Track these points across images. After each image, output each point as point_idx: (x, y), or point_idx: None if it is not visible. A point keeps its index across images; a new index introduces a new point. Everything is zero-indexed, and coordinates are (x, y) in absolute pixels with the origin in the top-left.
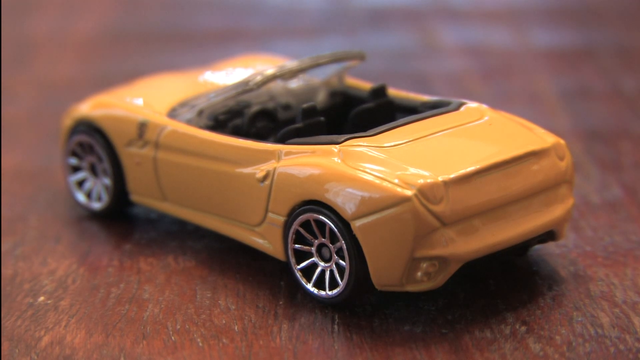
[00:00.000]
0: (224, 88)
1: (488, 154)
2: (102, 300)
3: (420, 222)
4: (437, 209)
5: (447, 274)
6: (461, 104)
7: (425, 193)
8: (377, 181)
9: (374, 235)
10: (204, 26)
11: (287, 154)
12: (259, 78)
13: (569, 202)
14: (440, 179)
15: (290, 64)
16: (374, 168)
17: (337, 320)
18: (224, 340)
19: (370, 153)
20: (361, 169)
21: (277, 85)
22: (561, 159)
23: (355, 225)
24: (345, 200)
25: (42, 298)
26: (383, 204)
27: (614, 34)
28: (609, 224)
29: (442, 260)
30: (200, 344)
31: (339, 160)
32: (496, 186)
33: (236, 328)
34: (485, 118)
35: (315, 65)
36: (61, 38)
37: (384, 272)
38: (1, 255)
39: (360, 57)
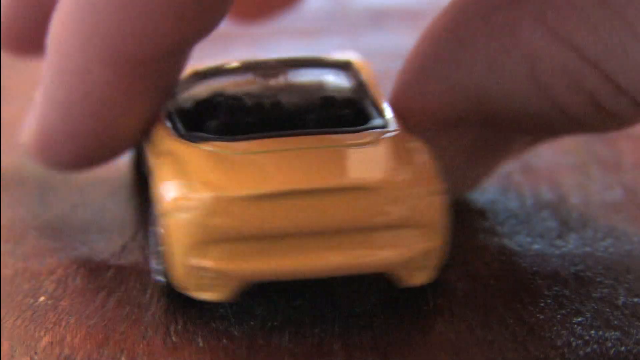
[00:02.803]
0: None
1: (308, 178)
2: (103, 300)
3: (198, 232)
4: (217, 222)
5: (231, 289)
6: (382, 132)
7: (207, 204)
8: (168, 184)
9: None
10: None
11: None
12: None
13: (417, 246)
14: (227, 194)
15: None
16: (183, 171)
17: (336, 320)
18: (224, 341)
19: (203, 157)
20: (178, 170)
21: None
22: (395, 202)
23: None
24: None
25: (42, 298)
26: (165, 208)
27: None
28: (609, 225)
29: (220, 274)
30: (201, 344)
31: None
32: (296, 212)
33: (236, 328)
34: (372, 144)
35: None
36: None
37: (171, 274)
38: (1, 255)
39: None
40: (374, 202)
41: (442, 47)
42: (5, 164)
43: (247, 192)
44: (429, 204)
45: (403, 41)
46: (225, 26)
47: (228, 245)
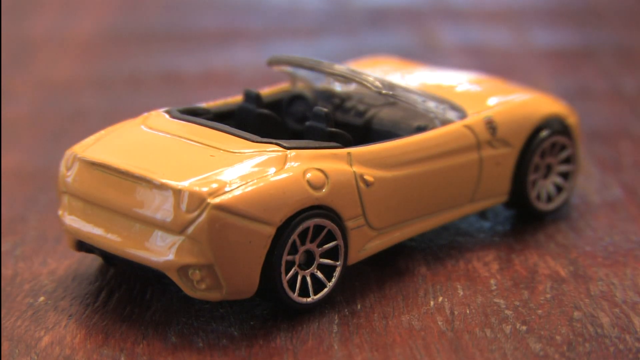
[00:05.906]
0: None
1: (133, 162)
2: (103, 301)
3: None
4: (66, 178)
5: (70, 241)
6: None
7: (67, 156)
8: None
9: None
10: (204, 26)
11: None
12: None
13: (179, 261)
14: (77, 153)
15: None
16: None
17: (337, 321)
18: (224, 341)
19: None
20: None
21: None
22: (189, 210)
23: None
24: None
25: (42, 298)
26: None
27: (614, 34)
28: (609, 224)
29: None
30: (200, 345)
31: None
32: (115, 186)
33: (236, 328)
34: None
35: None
36: (61, 38)
37: None
38: (1, 255)
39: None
40: (170, 204)
41: None
42: (5, 163)
43: (82, 155)
44: (210, 224)
45: (403, 41)
46: (226, 26)
47: (69, 197)
